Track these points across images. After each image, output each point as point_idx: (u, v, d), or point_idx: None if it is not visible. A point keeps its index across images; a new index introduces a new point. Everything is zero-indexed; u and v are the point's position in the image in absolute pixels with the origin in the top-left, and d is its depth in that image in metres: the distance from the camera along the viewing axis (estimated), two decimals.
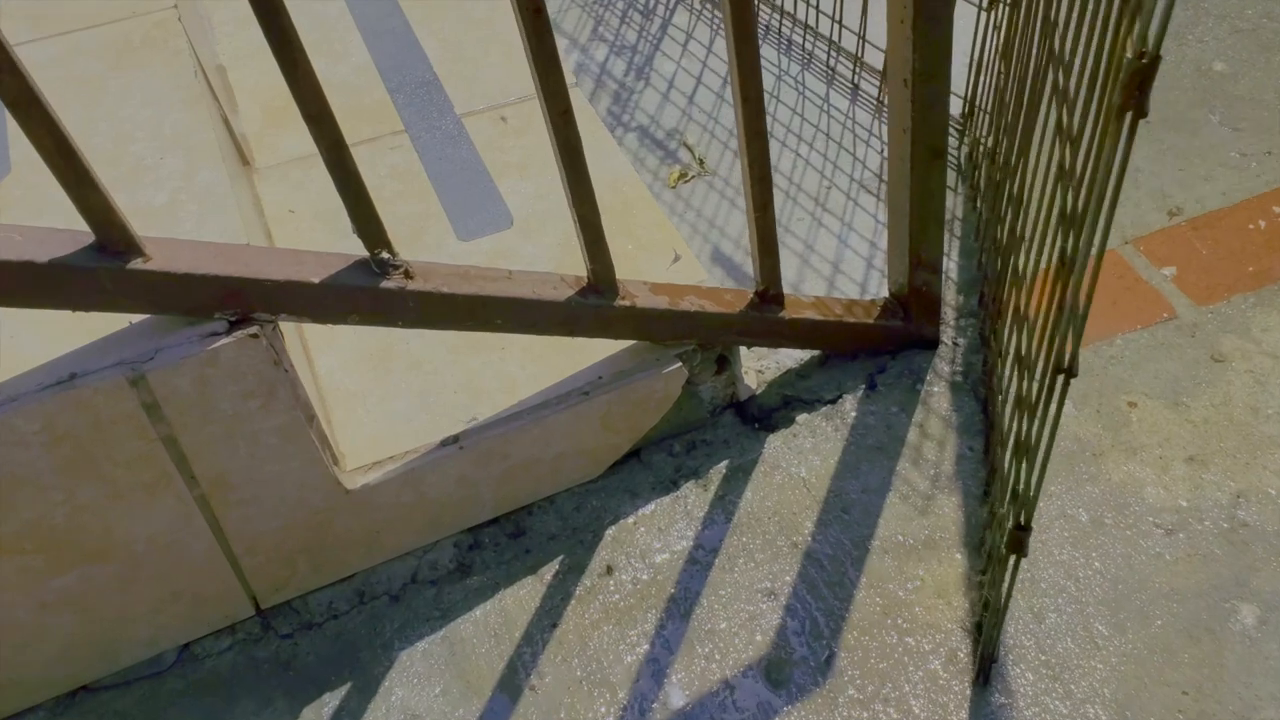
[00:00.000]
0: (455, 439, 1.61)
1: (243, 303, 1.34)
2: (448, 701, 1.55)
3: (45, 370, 1.29)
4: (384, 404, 1.68)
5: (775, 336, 1.77)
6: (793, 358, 1.93)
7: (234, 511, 1.49)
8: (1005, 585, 1.40)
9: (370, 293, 1.40)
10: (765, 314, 1.73)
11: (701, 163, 2.30)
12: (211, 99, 1.92)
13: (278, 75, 1.20)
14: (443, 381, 1.71)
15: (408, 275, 1.43)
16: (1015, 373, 1.57)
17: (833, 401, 1.86)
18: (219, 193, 1.54)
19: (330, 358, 1.75)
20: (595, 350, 1.69)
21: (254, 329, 1.34)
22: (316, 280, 1.36)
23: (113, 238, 1.24)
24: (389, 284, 1.41)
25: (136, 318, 1.33)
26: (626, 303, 1.59)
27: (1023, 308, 1.55)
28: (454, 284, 1.46)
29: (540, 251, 1.88)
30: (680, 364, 1.69)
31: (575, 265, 1.79)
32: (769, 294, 1.72)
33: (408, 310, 1.44)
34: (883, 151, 2.32)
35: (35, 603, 1.45)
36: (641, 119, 2.42)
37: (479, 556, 1.70)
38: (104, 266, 1.25)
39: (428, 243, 1.90)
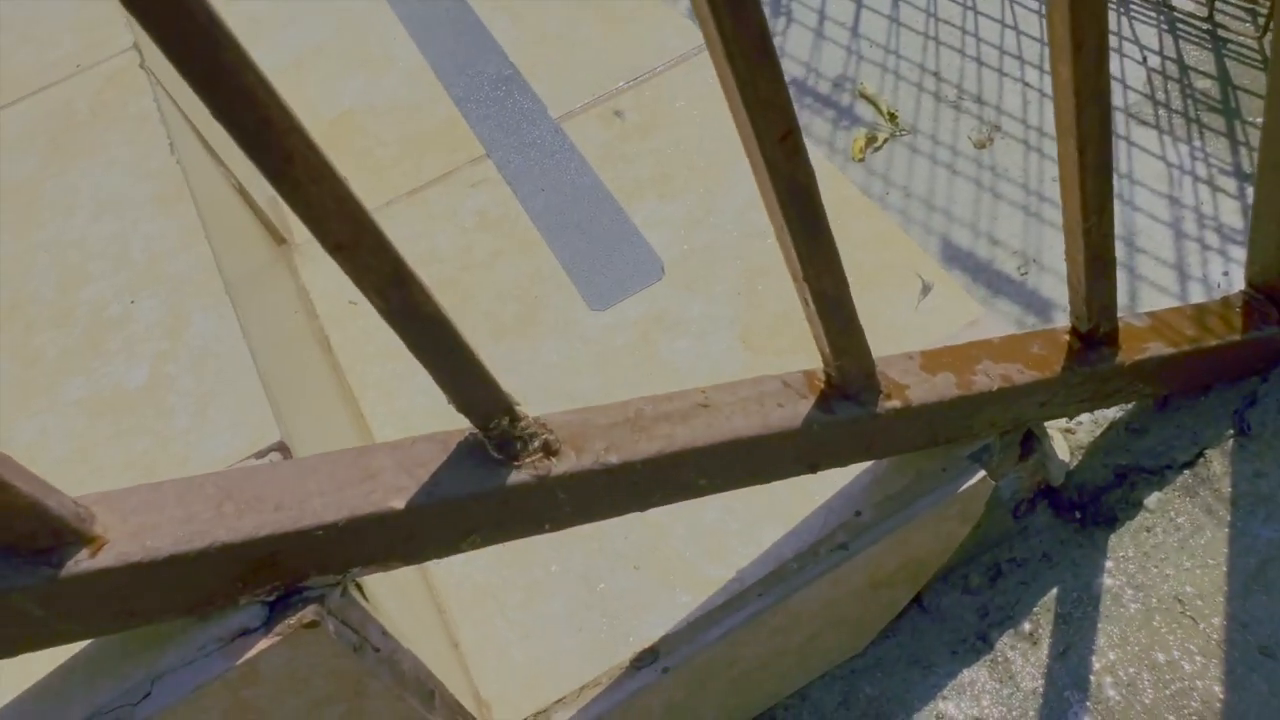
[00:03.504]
0: (653, 655, 1.03)
1: (282, 571, 0.76)
2: None
3: None
4: (532, 605, 1.10)
5: (1109, 397, 1.14)
6: None
7: None
8: None
9: (494, 497, 0.82)
10: (1096, 366, 1.09)
11: (893, 117, 1.65)
12: (213, 164, 1.34)
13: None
14: (612, 552, 1.12)
15: (548, 451, 0.84)
16: None
17: (1189, 465, 1.22)
18: (227, 345, 0.97)
19: None
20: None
21: (310, 611, 0.77)
22: (401, 505, 0.78)
23: (27, 530, 0.68)
24: (520, 476, 0.82)
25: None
26: (895, 403, 0.98)
27: None
28: (623, 445, 0.87)
29: (714, 309, 1.27)
30: (982, 472, 1.07)
31: (767, 323, 1.18)
32: (1099, 333, 1.09)
33: (557, 508, 0.86)
34: (1162, 65, 1.63)
35: None
36: (793, 68, 1.77)
37: None
38: (21, 586, 0.68)
39: (547, 321, 1.31)
